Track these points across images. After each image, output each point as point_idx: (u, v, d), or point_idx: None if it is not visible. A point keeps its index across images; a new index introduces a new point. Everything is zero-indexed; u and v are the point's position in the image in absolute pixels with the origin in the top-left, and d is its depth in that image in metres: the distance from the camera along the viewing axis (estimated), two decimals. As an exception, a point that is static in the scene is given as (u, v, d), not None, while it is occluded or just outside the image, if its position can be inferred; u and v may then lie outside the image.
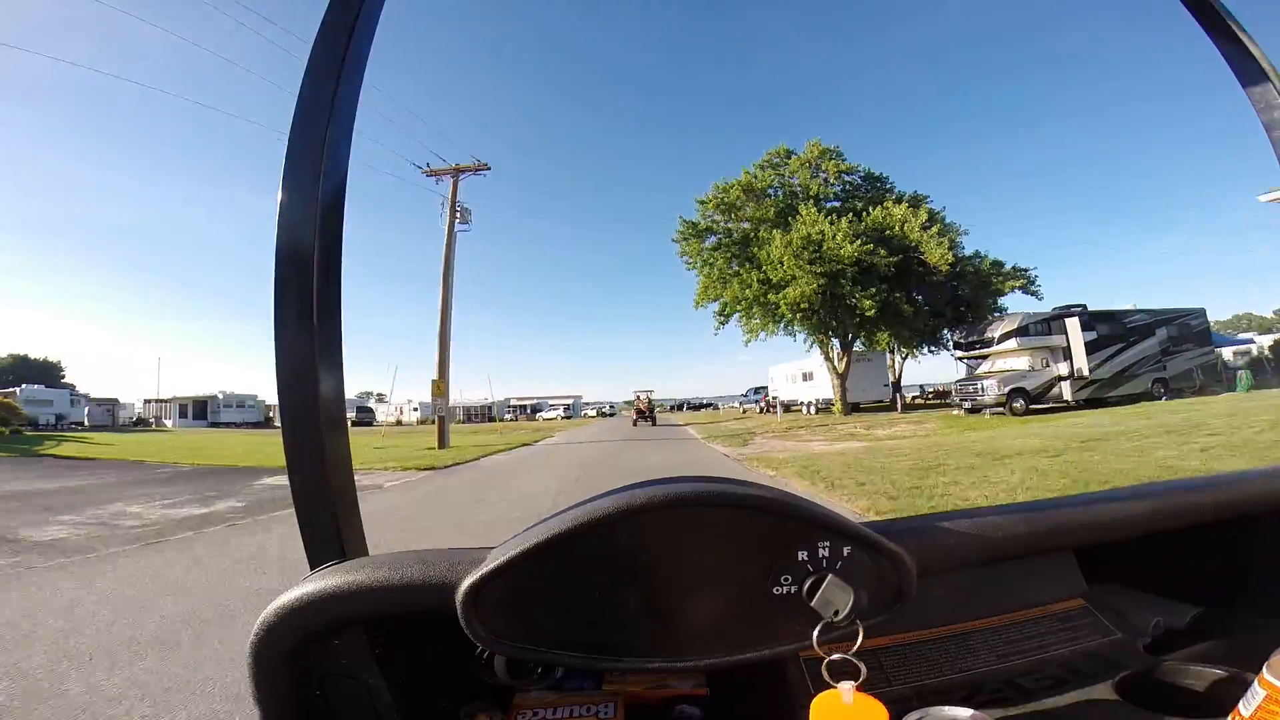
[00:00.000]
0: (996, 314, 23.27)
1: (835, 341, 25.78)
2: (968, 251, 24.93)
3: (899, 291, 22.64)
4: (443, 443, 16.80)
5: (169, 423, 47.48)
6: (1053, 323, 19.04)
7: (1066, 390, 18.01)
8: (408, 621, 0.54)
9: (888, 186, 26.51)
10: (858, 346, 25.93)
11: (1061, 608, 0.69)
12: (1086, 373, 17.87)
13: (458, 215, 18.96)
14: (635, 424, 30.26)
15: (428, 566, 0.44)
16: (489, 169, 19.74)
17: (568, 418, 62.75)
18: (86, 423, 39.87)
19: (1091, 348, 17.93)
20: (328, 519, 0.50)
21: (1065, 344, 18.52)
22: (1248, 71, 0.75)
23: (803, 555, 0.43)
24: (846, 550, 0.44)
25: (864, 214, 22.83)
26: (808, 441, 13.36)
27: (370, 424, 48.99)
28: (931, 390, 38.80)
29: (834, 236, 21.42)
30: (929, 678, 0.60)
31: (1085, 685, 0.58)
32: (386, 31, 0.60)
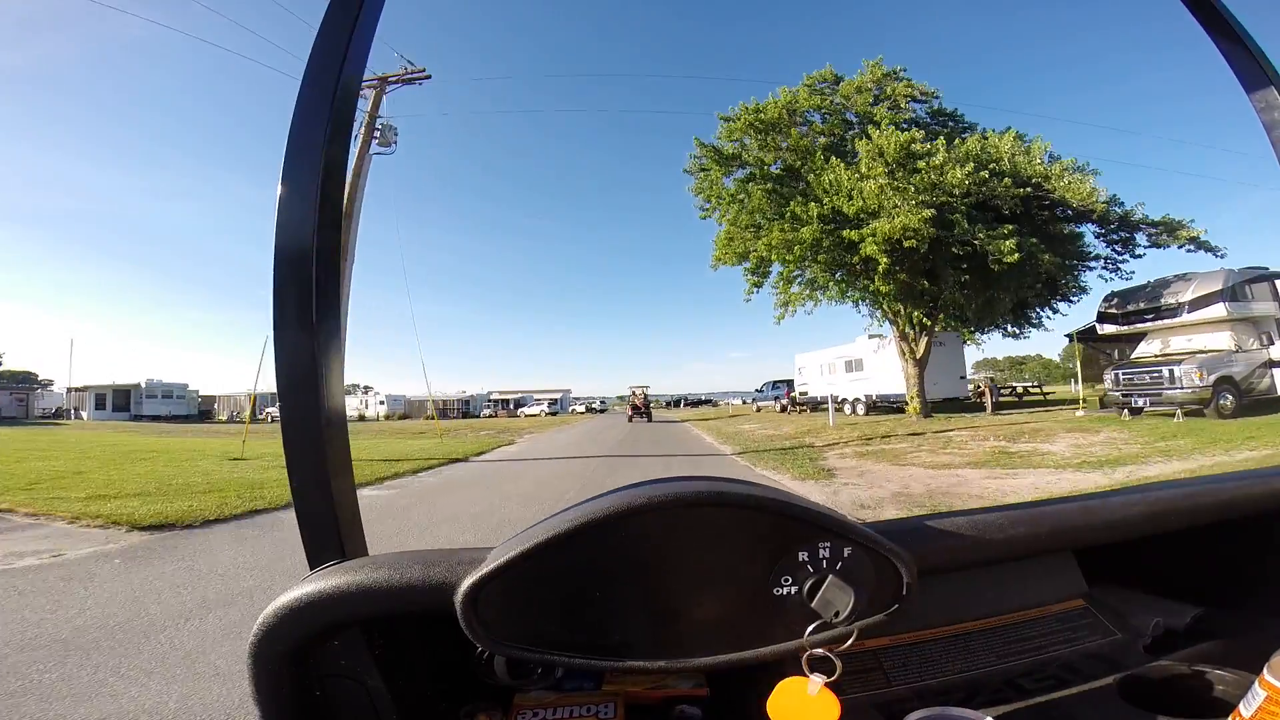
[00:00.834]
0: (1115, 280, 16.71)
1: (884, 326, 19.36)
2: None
3: (1034, 236, 15.21)
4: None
5: (85, 414, 41.04)
6: (1255, 285, 12.83)
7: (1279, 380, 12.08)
8: (408, 622, 0.54)
9: (966, 125, 18.14)
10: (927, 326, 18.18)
11: (1061, 608, 0.69)
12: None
13: (376, 134, 13.00)
14: (630, 420, 28.91)
15: (428, 567, 0.44)
16: (427, 76, 13.56)
17: (552, 414, 54.80)
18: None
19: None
20: (328, 519, 0.50)
21: (1277, 315, 12.64)
22: (1249, 74, 0.75)
23: (803, 556, 0.43)
24: (847, 551, 0.44)
25: (952, 146, 15.41)
26: (946, 470, 7.65)
27: None
28: (1008, 386, 29.85)
29: (933, 157, 14.61)
30: (929, 678, 0.60)
31: (1085, 685, 0.58)
32: (387, 31, 0.60)
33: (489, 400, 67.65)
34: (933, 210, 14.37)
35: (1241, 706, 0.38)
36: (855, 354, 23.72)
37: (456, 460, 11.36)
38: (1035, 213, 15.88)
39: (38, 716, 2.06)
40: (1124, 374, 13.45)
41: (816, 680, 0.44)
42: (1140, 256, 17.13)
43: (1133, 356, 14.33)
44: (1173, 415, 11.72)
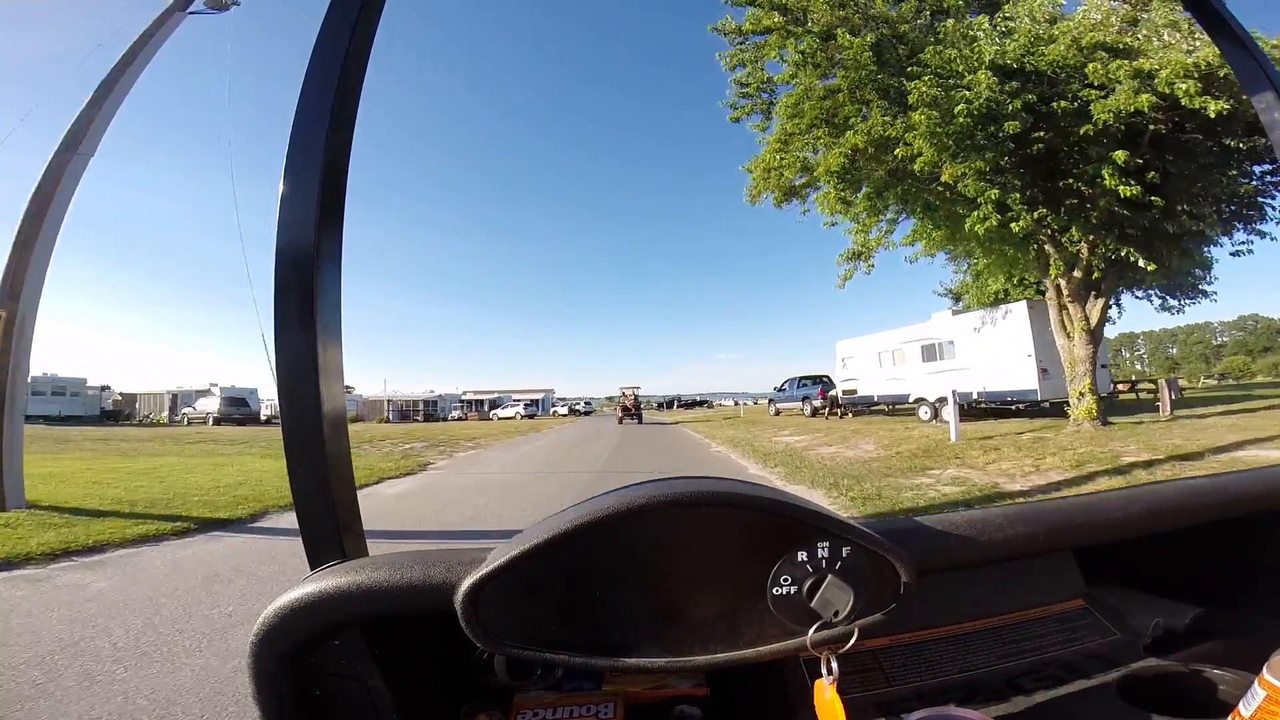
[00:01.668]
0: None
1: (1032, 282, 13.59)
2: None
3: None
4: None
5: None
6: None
7: None
8: (408, 622, 0.54)
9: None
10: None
11: (1061, 608, 0.69)
12: None
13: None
14: (621, 421, 27.36)
15: (428, 567, 0.44)
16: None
17: (529, 416, 48.74)
18: None
19: None
20: (328, 519, 0.50)
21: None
22: (1249, 74, 0.75)
23: (802, 555, 0.43)
24: (846, 551, 0.44)
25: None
26: None
27: (247, 421, 33.80)
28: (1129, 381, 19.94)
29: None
30: (929, 678, 0.60)
31: (1085, 685, 0.58)
32: (387, 31, 0.60)
33: (460, 401, 60.68)
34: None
35: (1241, 706, 0.38)
36: (938, 334, 15.77)
37: (216, 527, 5.28)
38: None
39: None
40: None
41: (828, 681, 0.44)
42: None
43: None
44: None
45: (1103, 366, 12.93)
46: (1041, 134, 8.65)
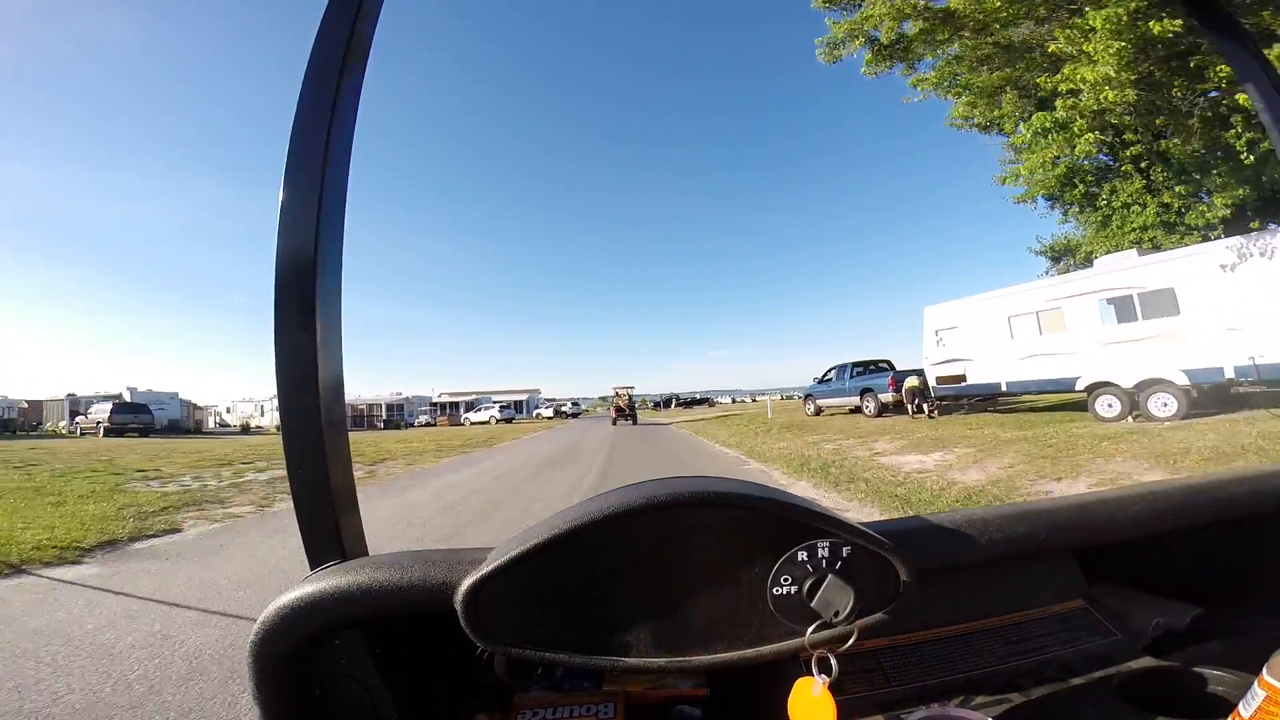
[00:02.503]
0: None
1: None
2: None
3: None
4: None
5: None
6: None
7: None
8: (407, 622, 0.54)
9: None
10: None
11: (1061, 608, 0.69)
12: None
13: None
14: (615, 423, 26.03)
15: (427, 567, 0.44)
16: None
17: (506, 420, 42.25)
18: None
19: None
20: (328, 519, 0.50)
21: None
22: (1246, 68, 0.75)
23: (803, 555, 0.43)
24: (846, 550, 0.44)
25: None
26: None
27: (148, 431, 28.61)
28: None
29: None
30: (929, 678, 0.60)
31: (1085, 686, 0.58)
32: (386, 30, 0.60)
33: (430, 404, 55.45)
34: None
35: (1241, 706, 0.38)
36: (1139, 281, 9.64)
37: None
38: None
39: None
40: None
41: (820, 681, 0.44)
42: None
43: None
44: None
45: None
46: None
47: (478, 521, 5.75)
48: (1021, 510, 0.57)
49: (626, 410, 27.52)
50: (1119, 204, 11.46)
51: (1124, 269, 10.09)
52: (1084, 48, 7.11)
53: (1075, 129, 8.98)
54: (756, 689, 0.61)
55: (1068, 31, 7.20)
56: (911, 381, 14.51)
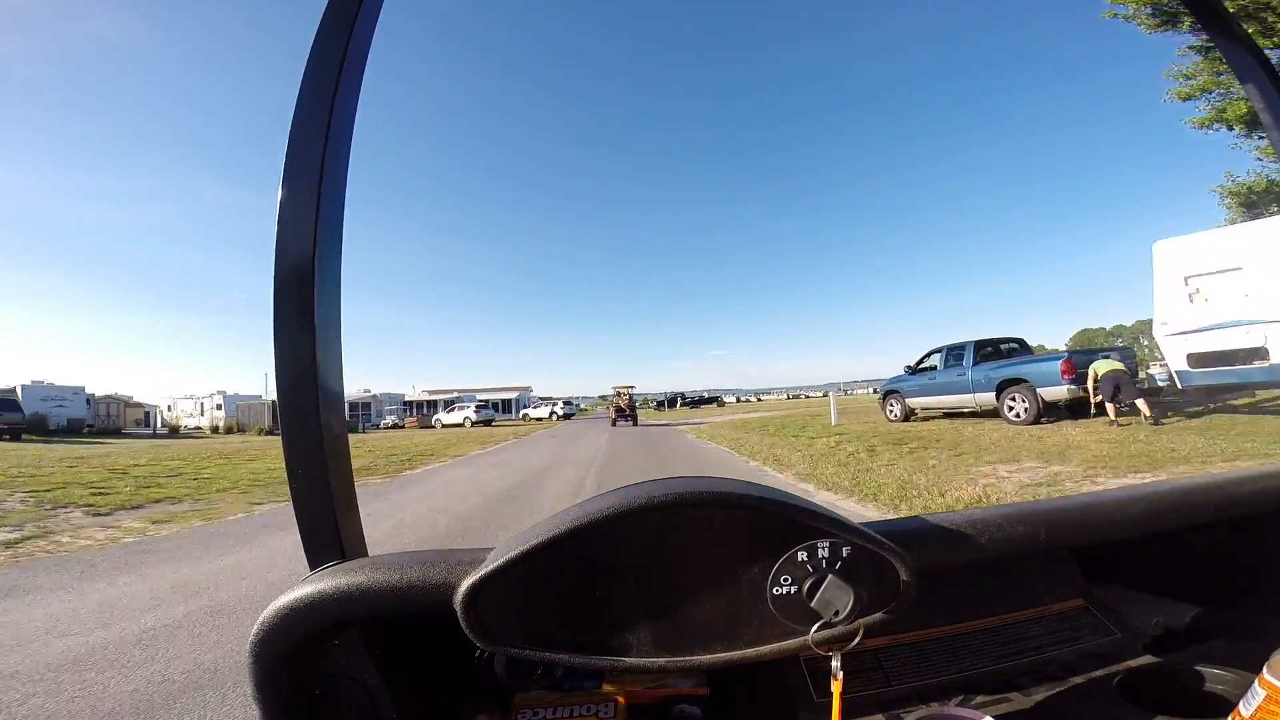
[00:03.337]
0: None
1: None
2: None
3: None
4: None
5: None
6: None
7: None
8: (407, 622, 0.54)
9: None
10: None
11: (1061, 608, 0.69)
12: None
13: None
14: (614, 424, 25.19)
15: (427, 568, 0.44)
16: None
17: (484, 422, 36.19)
18: None
19: None
20: (327, 520, 0.50)
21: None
22: (1246, 68, 0.75)
23: (803, 555, 0.43)
24: (846, 551, 0.44)
25: None
26: None
27: (15, 432, 24.93)
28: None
29: None
30: (929, 678, 0.60)
31: (1085, 685, 0.58)
32: (386, 30, 0.60)
33: (402, 402, 49.85)
34: None
35: (1241, 706, 0.38)
36: None
37: None
38: None
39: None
40: None
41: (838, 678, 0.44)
42: None
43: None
44: None
45: None
46: None
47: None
48: (1022, 510, 0.57)
49: (627, 411, 26.71)
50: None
51: None
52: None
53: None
54: (756, 688, 0.61)
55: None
56: (1107, 365, 9.04)
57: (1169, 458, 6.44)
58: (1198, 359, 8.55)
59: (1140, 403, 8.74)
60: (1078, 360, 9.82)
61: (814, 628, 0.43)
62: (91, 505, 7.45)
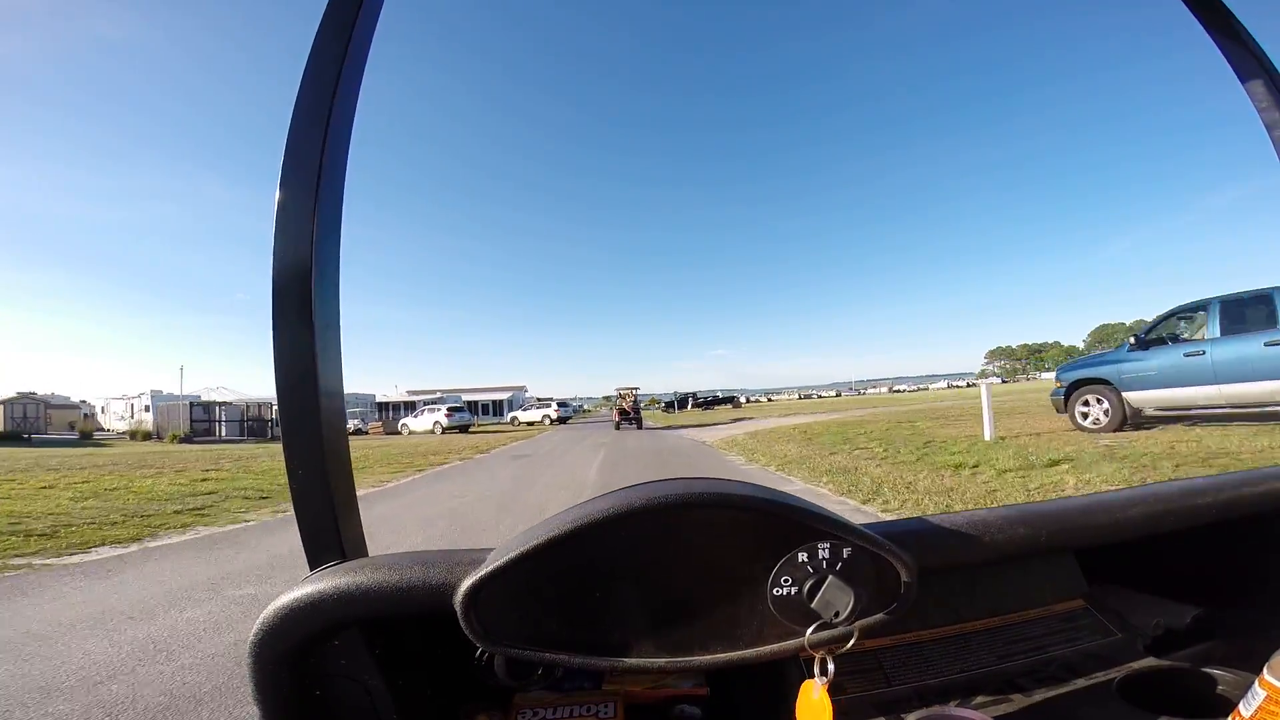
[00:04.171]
0: None
1: None
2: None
3: None
4: None
5: None
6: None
7: None
8: (408, 622, 0.54)
9: None
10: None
11: (1062, 608, 0.69)
12: None
13: None
14: (618, 426, 24.37)
15: (427, 568, 0.44)
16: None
17: (460, 428, 30.02)
18: None
19: None
20: (327, 519, 0.50)
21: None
22: (1247, 67, 0.75)
23: (803, 556, 0.43)
24: (847, 551, 0.44)
25: None
26: None
27: None
28: None
29: None
30: (929, 678, 0.60)
31: (1085, 686, 0.58)
32: (386, 29, 0.60)
33: (373, 404, 45.09)
34: None
35: (1241, 706, 0.38)
36: None
37: None
38: None
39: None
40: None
41: (819, 683, 0.44)
42: None
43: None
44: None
45: None
46: None
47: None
48: (1022, 511, 0.57)
49: (631, 413, 25.94)
50: None
51: None
52: None
53: None
54: (756, 689, 0.61)
55: None
56: None
57: None
58: None
59: None
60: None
61: (814, 628, 0.44)
62: None
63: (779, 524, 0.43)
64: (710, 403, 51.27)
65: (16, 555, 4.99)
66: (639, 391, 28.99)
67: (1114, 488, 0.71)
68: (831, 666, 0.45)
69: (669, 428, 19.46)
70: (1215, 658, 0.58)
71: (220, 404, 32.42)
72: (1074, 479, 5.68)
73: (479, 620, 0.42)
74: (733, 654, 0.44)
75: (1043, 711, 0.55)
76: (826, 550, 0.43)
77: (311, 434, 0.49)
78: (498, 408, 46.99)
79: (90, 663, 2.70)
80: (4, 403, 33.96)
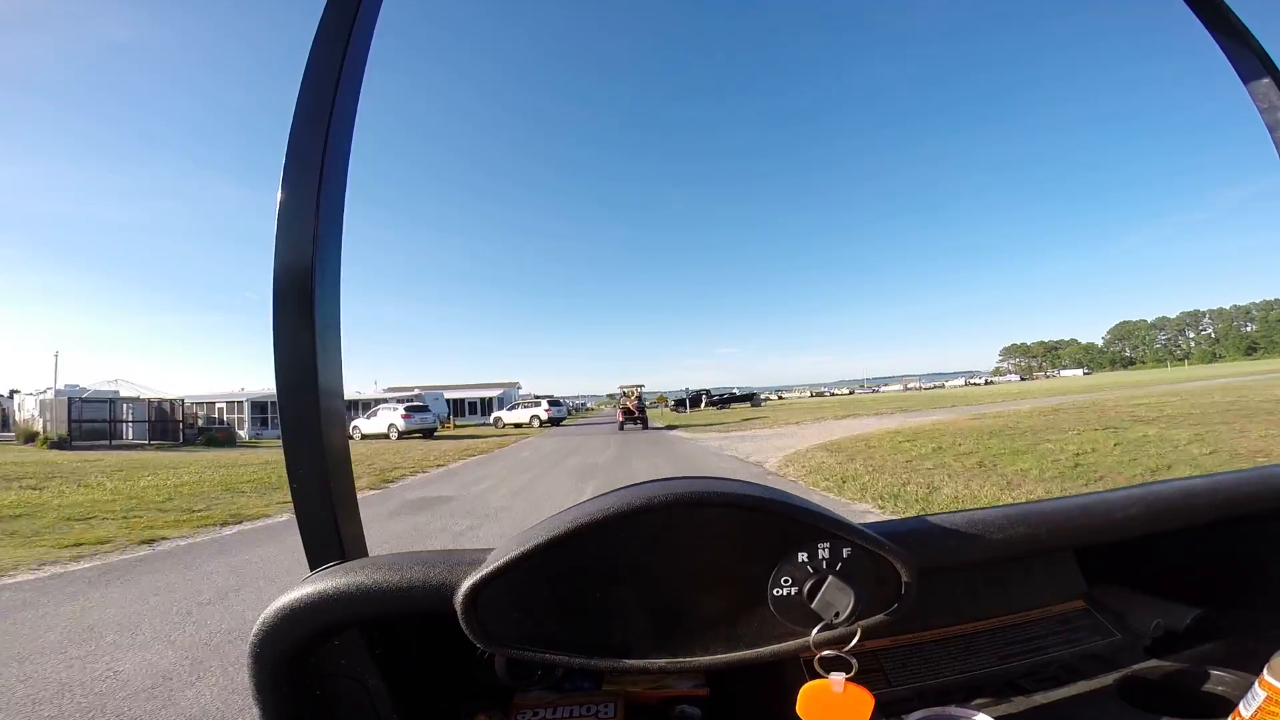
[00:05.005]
0: None
1: None
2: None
3: None
4: None
5: None
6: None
7: None
8: (408, 622, 0.54)
9: None
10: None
11: (1062, 608, 0.69)
12: None
13: None
14: (622, 427, 23.44)
15: (427, 568, 0.44)
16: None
17: (423, 432, 24.74)
18: None
19: None
20: (327, 520, 0.50)
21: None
22: (1249, 67, 0.75)
23: (803, 556, 0.43)
24: (847, 551, 0.44)
25: None
26: None
27: None
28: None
29: None
30: (930, 678, 0.60)
31: (1085, 685, 0.58)
32: (386, 29, 0.60)
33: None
34: None
35: (1241, 706, 0.38)
36: None
37: None
38: None
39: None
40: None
41: (838, 677, 0.44)
42: None
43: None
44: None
45: None
46: None
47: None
48: (1022, 510, 0.57)
49: (635, 413, 24.43)
50: None
51: None
52: None
53: None
54: (756, 689, 0.61)
55: None
56: None
57: None
58: None
59: None
60: None
61: (815, 629, 0.43)
62: None
63: (779, 524, 0.43)
64: (726, 401, 46.45)
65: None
66: (645, 389, 27.64)
67: (1114, 489, 0.71)
68: (855, 663, 0.44)
69: (688, 432, 15.89)
70: (1215, 658, 0.58)
71: (127, 400, 25.25)
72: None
73: (479, 620, 0.42)
74: (733, 655, 0.44)
75: (1043, 712, 0.55)
76: (827, 550, 0.43)
77: (312, 434, 0.49)
78: (486, 406, 41.85)
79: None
80: None
